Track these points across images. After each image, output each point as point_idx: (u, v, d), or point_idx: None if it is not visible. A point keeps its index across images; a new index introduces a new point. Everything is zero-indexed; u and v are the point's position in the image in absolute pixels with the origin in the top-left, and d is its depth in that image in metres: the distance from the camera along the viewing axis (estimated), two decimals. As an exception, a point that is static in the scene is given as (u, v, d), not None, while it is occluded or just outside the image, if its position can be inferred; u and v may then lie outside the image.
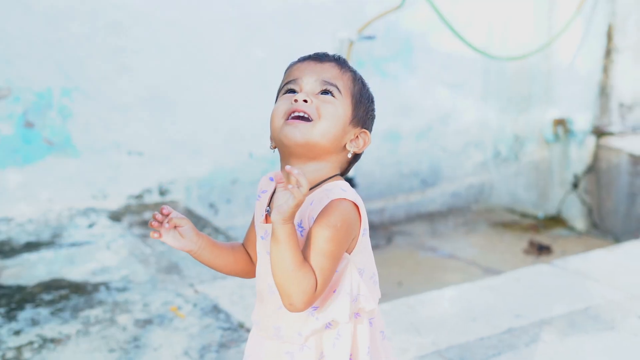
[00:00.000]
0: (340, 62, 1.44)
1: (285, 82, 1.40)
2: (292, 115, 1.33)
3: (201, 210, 4.62)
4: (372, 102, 1.49)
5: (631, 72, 5.06)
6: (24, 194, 4.18)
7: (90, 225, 4.06)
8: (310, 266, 1.27)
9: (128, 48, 4.33)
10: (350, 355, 1.39)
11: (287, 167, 1.21)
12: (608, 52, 4.98)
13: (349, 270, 1.35)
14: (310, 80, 1.36)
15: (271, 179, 1.46)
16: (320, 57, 1.42)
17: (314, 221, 1.30)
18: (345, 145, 1.40)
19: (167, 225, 1.38)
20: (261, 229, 1.40)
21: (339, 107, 1.37)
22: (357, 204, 1.35)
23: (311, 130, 1.33)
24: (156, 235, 1.40)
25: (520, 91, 5.57)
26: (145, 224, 4.14)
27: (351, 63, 5.45)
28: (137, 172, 4.46)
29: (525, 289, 3.26)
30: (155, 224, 1.39)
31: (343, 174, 1.46)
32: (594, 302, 3.08)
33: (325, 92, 1.37)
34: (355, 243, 1.36)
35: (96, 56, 4.27)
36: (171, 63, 4.47)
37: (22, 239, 3.85)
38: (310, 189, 1.35)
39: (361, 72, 5.30)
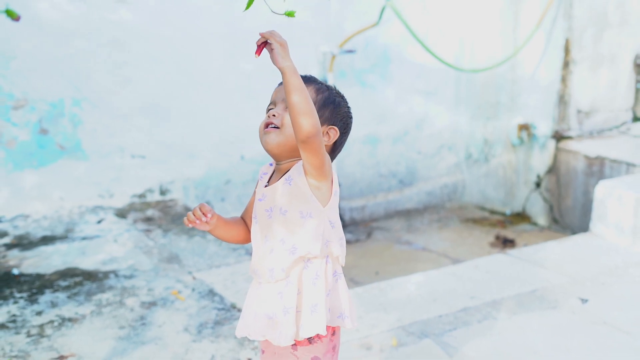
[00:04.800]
0: (304, 79, 1.73)
1: (269, 104, 1.78)
2: (268, 126, 1.72)
3: (197, 209, 4.86)
4: (338, 105, 1.77)
5: (587, 81, 5.16)
6: (39, 193, 4.35)
7: (99, 221, 4.21)
8: None
9: (129, 62, 4.49)
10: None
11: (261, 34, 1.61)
12: (566, 64, 5.08)
13: (323, 220, 1.68)
14: (279, 100, 1.74)
15: (270, 165, 1.82)
16: None
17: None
18: None
19: (204, 220, 1.70)
20: (259, 193, 1.74)
21: None
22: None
23: (279, 135, 1.70)
24: (190, 225, 1.72)
25: (489, 99, 5.66)
26: (148, 220, 4.28)
27: (333, 74, 5.58)
28: (139, 174, 4.62)
29: (482, 274, 3.46)
30: (193, 219, 1.70)
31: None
32: (540, 286, 3.30)
33: None
34: (328, 199, 1.69)
35: (101, 70, 4.44)
36: (167, 75, 4.62)
37: (39, 233, 4.01)
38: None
39: (343, 82, 5.53)
